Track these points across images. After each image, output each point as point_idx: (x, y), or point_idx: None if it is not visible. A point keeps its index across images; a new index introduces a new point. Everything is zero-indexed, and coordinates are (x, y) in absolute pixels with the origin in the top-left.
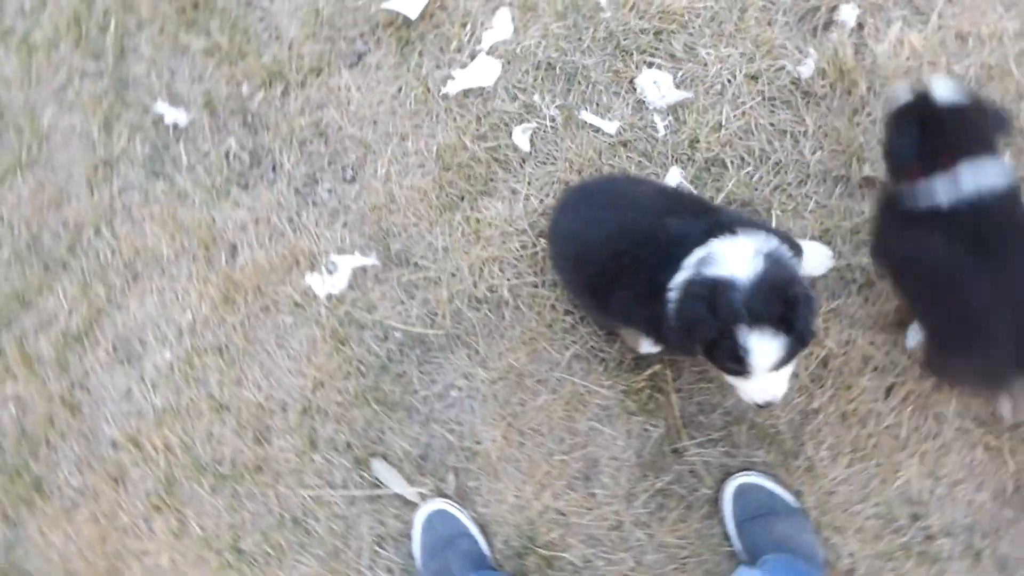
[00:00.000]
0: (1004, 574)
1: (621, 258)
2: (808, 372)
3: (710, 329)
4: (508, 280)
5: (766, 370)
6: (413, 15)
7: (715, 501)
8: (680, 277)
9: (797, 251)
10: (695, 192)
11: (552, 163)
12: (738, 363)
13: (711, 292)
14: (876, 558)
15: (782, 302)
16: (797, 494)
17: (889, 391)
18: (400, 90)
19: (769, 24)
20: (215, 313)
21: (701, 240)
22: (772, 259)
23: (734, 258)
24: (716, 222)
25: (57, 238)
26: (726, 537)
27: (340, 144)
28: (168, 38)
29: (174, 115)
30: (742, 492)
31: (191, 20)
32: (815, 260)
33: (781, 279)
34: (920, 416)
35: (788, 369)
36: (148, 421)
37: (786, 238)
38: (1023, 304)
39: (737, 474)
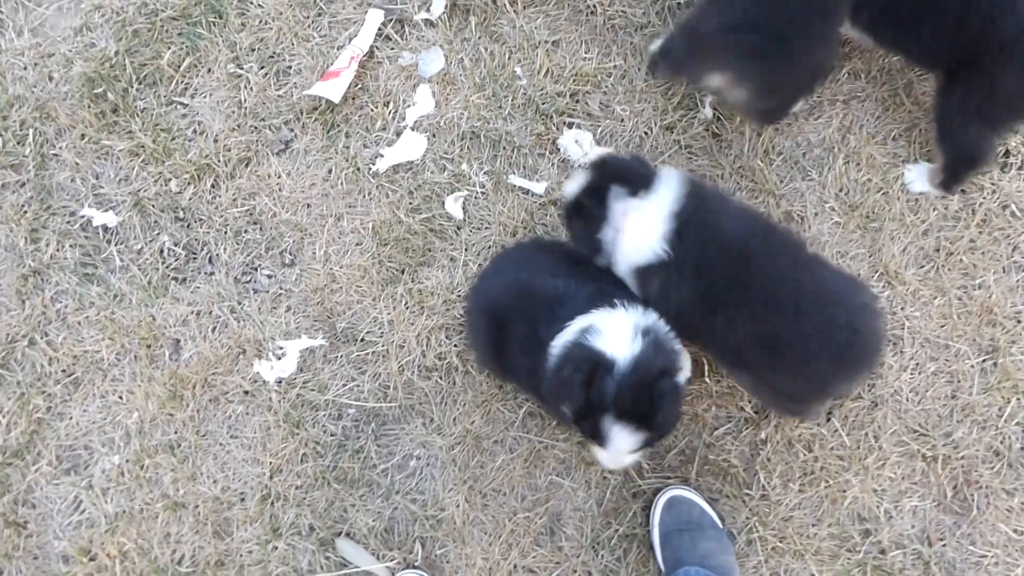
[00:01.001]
0: None
1: (510, 310)
2: (752, 404)
3: (581, 406)
4: (455, 346)
5: (620, 453)
6: (336, 99)
7: None
8: (563, 338)
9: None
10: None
11: (487, 228)
12: (598, 440)
13: (590, 371)
14: None
15: (648, 397)
16: (756, 525)
17: (830, 414)
18: (330, 172)
19: None
20: (163, 411)
21: (585, 305)
22: (651, 340)
23: (616, 334)
24: (599, 289)
25: None
26: (651, 548)
27: (276, 230)
28: (90, 143)
29: (103, 218)
30: (673, 504)
31: (112, 123)
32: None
33: (655, 370)
34: (859, 433)
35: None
36: (100, 530)
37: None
38: None
39: (671, 487)
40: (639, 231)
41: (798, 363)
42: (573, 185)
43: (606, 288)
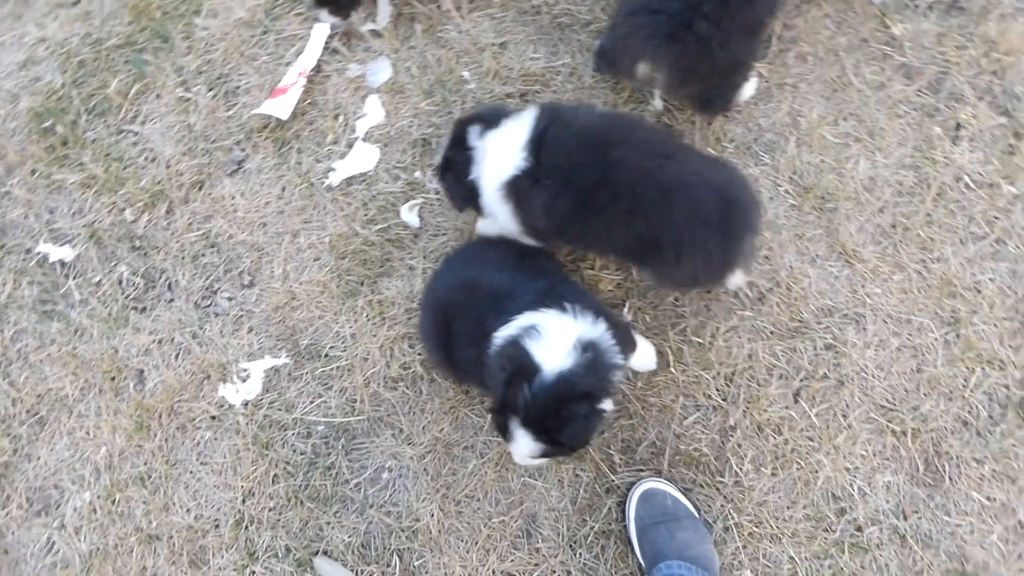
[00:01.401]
0: (929, 550)
1: (456, 305)
2: (719, 392)
3: (497, 402)
4: (419, 355)
5: (522, 455)
6: (285, 116)
7: None
8: (506, 331)
9: (627, 344)
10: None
11: (444, 234)
12: (504, 437)
13: (515, 373)
14: (813, 559)
15: (558, 416)
16: (731, 512)
17: (797, 395)
18: (284, 189)
19: None
20: (131, 443)
21: (534, 302)
22: (588, 358)
23: (555, 342)
24: (550, 286)
25: None
26: (629, 543)
27: (233, 252)
28: (41, 178)
29: (59, 253)
30: (647, 497)
31: (62, 156)
32: (643, 358)
33: (576, 392)
34: (828, 413)
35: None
36: (75, 570)
37: (621, 329)
38: None
39: (644, 480)
40: (500, 150)
41: (681, 253)
42: (439, 151)
43: (556, 286)
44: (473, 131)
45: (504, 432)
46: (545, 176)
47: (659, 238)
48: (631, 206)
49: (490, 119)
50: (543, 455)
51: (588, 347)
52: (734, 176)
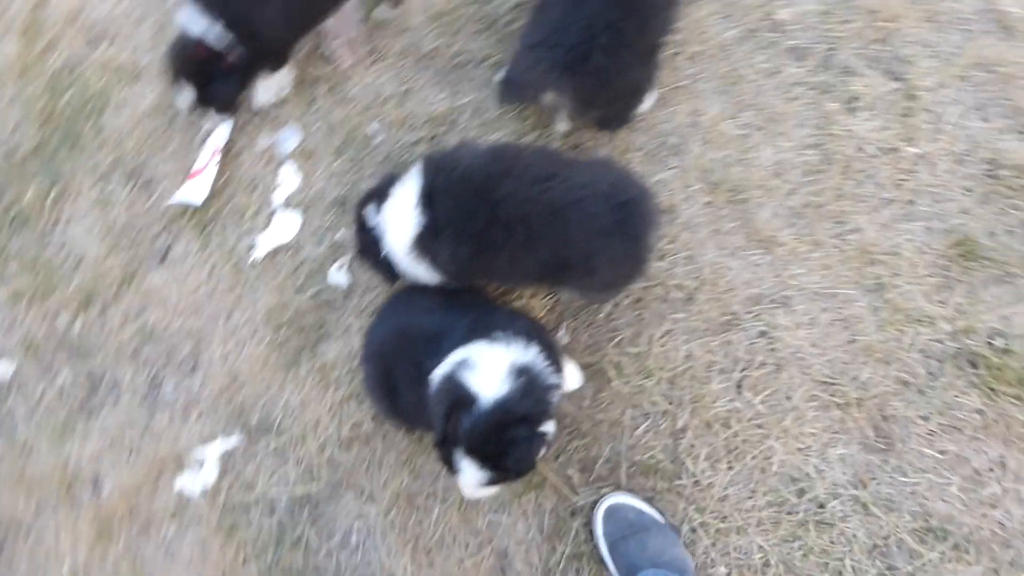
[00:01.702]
0: (893, 513)
1: (393, 354)
2: (664, 397)
3: (439, 435)
4: (368, 411)
5: (471, 486)
6: (199, 201)
7: None
8: (441, 370)
9: (556, 364)
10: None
11: (375, 288)
12: (451, 469)
13: (453, 404)
14: (782, 543)
15: (499, 441)
16: (695, 512)
17: (739, 386)
18: (212, 271)
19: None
20: (94, 553)
21: (464, 337)
22: (523, 382)
23: (488, 371)
24: (477, 320)
25: None
26: (601, 561)
27: (171, 341)
28: None
29: None
30: (611, 513)
31: None
32: (568, 378)
33: (515, 416)
34: (772, 399)
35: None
36: None
37: (550, 351)
38: None
39: (605, 496)
40: (396, 217)
41: (591, 265)
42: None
43: (485, 318)
44: (370, 211)
45: (449, 465)
46: (443, 227)
47: (565, 258)
48: (527, 235)
49: (381, 192)
50: (491, 483)
51: (522, 371)
52: (621, 178)
